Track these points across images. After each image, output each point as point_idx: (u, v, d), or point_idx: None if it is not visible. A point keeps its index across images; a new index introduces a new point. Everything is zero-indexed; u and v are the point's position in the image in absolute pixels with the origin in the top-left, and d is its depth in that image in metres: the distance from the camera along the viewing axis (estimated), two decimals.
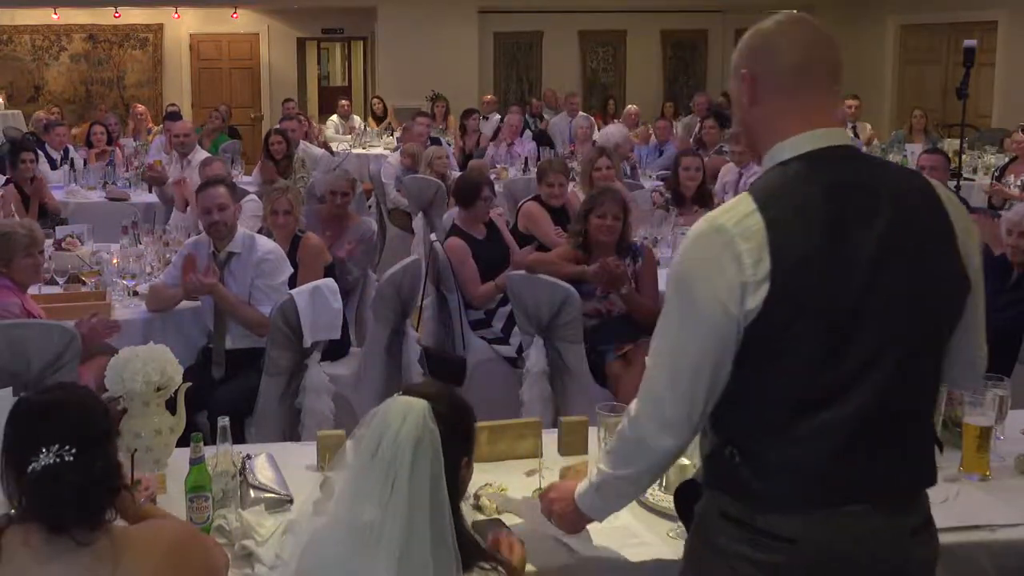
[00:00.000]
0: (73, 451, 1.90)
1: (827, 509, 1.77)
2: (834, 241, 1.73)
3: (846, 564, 1.77)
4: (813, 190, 1.77)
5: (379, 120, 13.42)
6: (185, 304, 4.64)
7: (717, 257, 1.75)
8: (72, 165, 8.95)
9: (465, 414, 2.03)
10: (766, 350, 1.75)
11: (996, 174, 8.56)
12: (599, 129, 11.50)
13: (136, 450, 2.68)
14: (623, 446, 1.95)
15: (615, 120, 12.77)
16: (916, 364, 1.80)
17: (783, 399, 1.76)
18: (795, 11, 1.91)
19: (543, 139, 11.21)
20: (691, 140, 10.18)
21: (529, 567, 2.27)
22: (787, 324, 1.73)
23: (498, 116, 12.13)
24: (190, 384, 3.06)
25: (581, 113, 12.06)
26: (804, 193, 1.77)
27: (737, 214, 1.76)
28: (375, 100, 13.75)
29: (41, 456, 1.89)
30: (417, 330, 5.20)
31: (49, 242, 5.37)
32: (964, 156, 8.34)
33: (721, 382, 1.79)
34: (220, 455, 2.57)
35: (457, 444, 1.95)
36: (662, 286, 4.86)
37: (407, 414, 1.88)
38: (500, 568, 1.94)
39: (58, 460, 1.89)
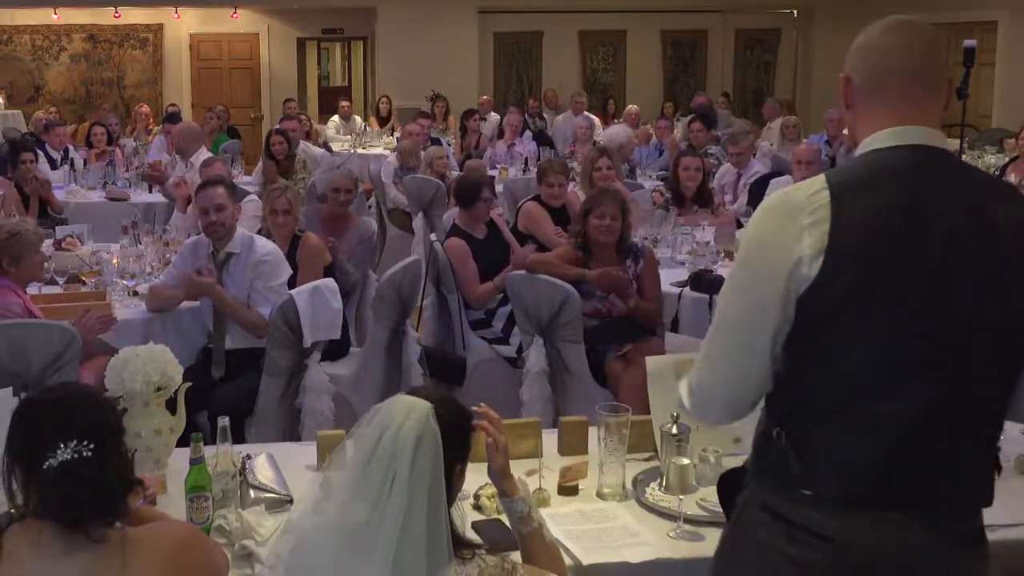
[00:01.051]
0: (91, 446, 1.90)
1: (869, 510, 1.74)
2: (898, 227, 1.73)
3: (884, 572, 1.75)
4: (884, 176, 1.77)
5: (383, 121, 13.37)
6: (185, 304, 4.64)
7: (778, 227, 1.78)
8: (72, 165, 8.95)
9: (465, 422, 2.04)
10: (820, 330, 1.74)
11: (996, 174, 8.56)
12: (602, 129, 11.52)
13: (136, 450, 2.67)
14: (685, 402, 1.97)
15: (615, 120, 12.76)
16: (980, 377, 1.75)
17: (835, 387, 1.75)
18: (905, 16, 1.89)
19: (543, 139, 11.21)
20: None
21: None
22: (840, 302, 1.72)
23: (496, 116, 12.13)
24: (190, 384, 3.06)
25: (585, 113, 12.06)
26: (875, 177, 1.78)
27: (807, 190, 1.79)
28: (382, 100, 13.64)
29: (59, 452, 1.88)
30: (417, 330, 5.20)
31: (49, 242, 5.37)
32: (964, 156, 8.34)
33: (770, 363, 1.80)
34: (220, 455, 2.57)
35: (453, 450, 1.95)
36: (664, 287, 4.89)
37: (410, 412, 1.89)
38: (483, 557, 1.94)
39: (76, 456, 1.89)
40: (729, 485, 1.99)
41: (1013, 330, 1.78)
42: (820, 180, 1.79)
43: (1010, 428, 3.04)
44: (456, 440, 1.96)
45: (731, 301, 1.85)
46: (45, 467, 1.88)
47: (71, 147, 9.94)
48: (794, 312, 1.75)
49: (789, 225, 1.75)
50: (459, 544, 1.93)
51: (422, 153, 8.71)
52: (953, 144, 9.09)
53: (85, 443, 1.90)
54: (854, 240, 1.72)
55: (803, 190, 1.79)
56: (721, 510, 2.55)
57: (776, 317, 1.77)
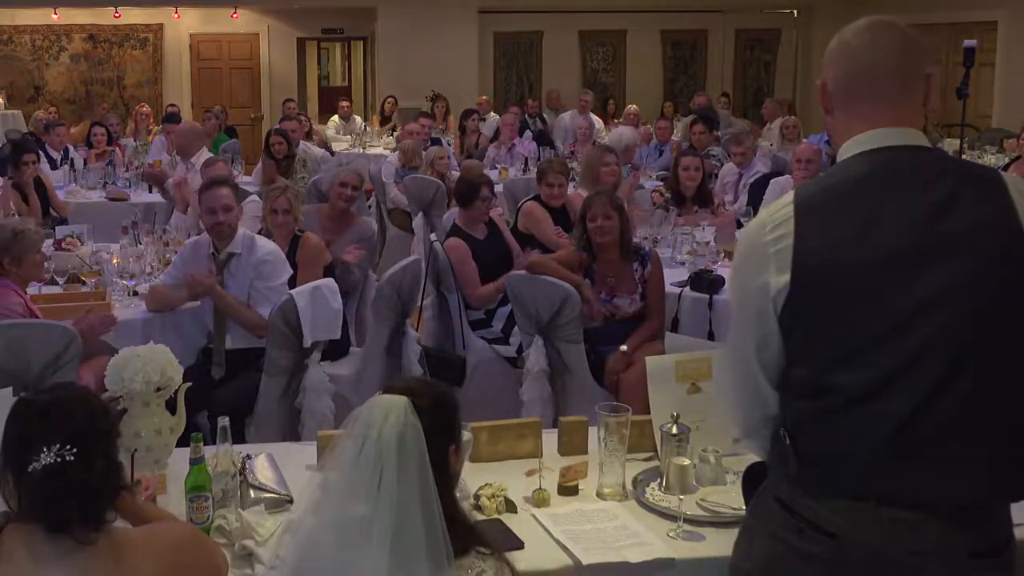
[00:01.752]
0: (74, 451, 1.89)
1: (870, 509, 1.73)
2: (861, 230, 1.73)
3: (887, 571, 1.74)
4: (851, 188, 1.78)
5: (384, 120, 13.33)
6: (185, 304, 4.63)
7: (749, 250, 1.84)
8: (72, 165, 8.95)
9: (446, 405, 2.03)
10: (807, 339, 1.77)
11: None
12: (603, 129, 11.50)
13: (136, 450, 2.68)
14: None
15: (616, 120, 12.76)
16: (982, 367, 1.72)
17: (830, 391, 1.76)
18: (879, 17, 1.89)
19: (543, 139, 11.21)
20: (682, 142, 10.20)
21: (530, 568, 2.27)
22: (818, 316, 1.75)
23: (496, 116, 12.12)
24: (190, 384, 3.05)
25: (590, 113, 12.05)
26: (842, 190, 1.79)
27: (776, 206, 1.83)
28: (388, 99, 13.54)
29: (42, 456, 1.88)
30: (417, 330, 5.19)
31: (49, 242, 5.37)
32: (964, 156, 8.33)
33: (761, 376, 1.85)
34: (220, 455, 2.57)
35: (442, 435, 1.96)
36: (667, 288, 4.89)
37: (388, 412, 1.88)
38: (498, 554, 1.94)
39: (59, 460, 1.88)
40: (753, 477, 2.01)
41: (1007, 329, 1.74)
42: (789, 196, 1.83)
43: None
44: (440, 426, 1.96)
45: (732, 317, 1.94)
46: (30, 470, 1.88)
47: (71, 147, 9.93)
48: (777, 327, 1.79)
49: (753, 247, 1.82)
50: (474, 540, 1.93)
51: (423, 153, 8.71)
52: (953, 144, 9.12)
53: (68, 447, 1.89)
54: (816, 260, 1.75)
55: (771, 208, 1.84)
56: (720, 510, 2.58)
57: (756, 334, 1.83)
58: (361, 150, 11.37)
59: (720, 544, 2.38)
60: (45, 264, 4.73)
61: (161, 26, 15.85)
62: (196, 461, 2.51)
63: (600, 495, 2.73)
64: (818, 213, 1.77)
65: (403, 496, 1.84)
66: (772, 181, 6.78)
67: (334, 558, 1.87)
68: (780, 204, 1.83)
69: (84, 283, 5.03)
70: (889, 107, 1.83)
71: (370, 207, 8.97)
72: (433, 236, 6.20)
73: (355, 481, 1.86)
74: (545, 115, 13.35)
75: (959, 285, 1.72)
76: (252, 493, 2.66)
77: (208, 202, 4.52)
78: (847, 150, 1.85)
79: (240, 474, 2.64)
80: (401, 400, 1.91)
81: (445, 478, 1.94)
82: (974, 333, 1.72)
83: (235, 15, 15.86)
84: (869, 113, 1.84)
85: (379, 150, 11.52)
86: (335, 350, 4.66)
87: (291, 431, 4.19)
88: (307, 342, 4.21)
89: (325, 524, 1.91)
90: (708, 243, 5.41)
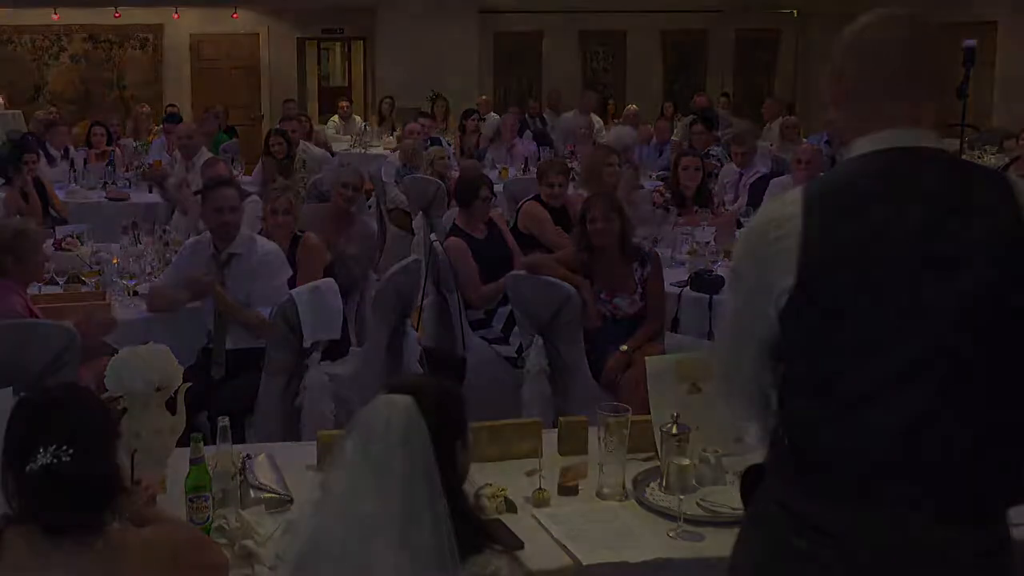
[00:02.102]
0: (71, 451, 1.89)
1: (869, 507, 1.73)
2: (869, 232, 1.72)
3: (888, 570, 1.73)
4: (862, 188, 1.77)
5: (382, 121, 13.30)
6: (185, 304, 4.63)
7: (756, 244, 1.83)
8: (72, 164, 8.95)
9: (451, 400, 2.02)
10: (808, 339, 1.77)
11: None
12: (605, 129, 11.49)
13: (136, 450, 2.68)
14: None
15: (616, 120, 12.75)
16: (985, 371, 1.71)
17: (828, 393, 1.75)
18: (893, 9, 1.84)
19: (543, 139, 11.21)
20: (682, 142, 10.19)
21: (530, 568, 2.27)
22: (819, 316, 1.74)
23: (496, 116, 12.11)
24: (190, 384, 3.05)
25: (592, 114, 12.05)
26: (852, 190, 1.78)
27: (783, 203, 1.82)
28: (387, 100, 13.50)
29: (39, 456, 1.88)
30: (417, 330, 5.19)
31: (49, 242, 5.37)
32: (964, 156, 8.32)
33: (758, 369, 1.86)
34: (220, 455, 2.57)
35: (449, 431, 1.95)
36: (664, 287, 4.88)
37: (391, 414, 1.88)
38: (511, 553, 1.94)
39: (55, 460, 1.88)
40: (752, 478, 2.00)
41: (1011, 334, 1.73)
42: (797, 192, 1.81)
43: None
44: (446, 423, 1.95)
45: (729, 308, 1.97)
46: (28, 471, 1.88)
47: (71, 147, 9.94)
48: (777, 324, 1.79)
49: (757, 245, 1.82)
50: (485, 537, 1.93)
51: (423, 153, 8.71)
52: (953, 144, 9.13)
53: (65, 448, 1.89)
54: (822, 261, 1.73)
55: (777, 203, 1.84)
56: (719, 510, 2.58)
57: (757, 330, 1.83)
58: (361, 150, 11.36)
59: (720, 544, 2.38)
60: (45, 264, 4.73)
61: (161, 26, 15.83)
62: (196, 461, 2.51)
63: (600, 495, 2.74)
64: (826, 213, 1.76)
65: (408, 496, 1.83)
66: (772, 181, 6.78)
67: (337, 558, 1.87)
68: (785, 202, 1.81)
69: (84, 283, 5.03)
70: (907, 107, 1.80)
71: (370, 207, 8.96)
72: (433, 236, 6.20)
73: (359, 481, 1.86)
74: (546, 115, 13.34)
75: (964, 289, 1.71)
76: (252, 493, 2.67)
77: (215, 202, 4.52)
78: (857, 148, 1.83)
79: (240, 474, 2.64)
80: (404, 400, 1.90)
81: (455, 475, 1.93)
82: (978, 337, 1.72)
83: (235, 15, 15.84)
84: (881, 111, 1.81)
85: (379, 150, 11.51)
86: (335, 350, 4.66)
87: (291, 431, 4.19)
88: (307, 342, 4.21)
89: (328, 525, 1.91)
90: (708, 243, 5.40)
